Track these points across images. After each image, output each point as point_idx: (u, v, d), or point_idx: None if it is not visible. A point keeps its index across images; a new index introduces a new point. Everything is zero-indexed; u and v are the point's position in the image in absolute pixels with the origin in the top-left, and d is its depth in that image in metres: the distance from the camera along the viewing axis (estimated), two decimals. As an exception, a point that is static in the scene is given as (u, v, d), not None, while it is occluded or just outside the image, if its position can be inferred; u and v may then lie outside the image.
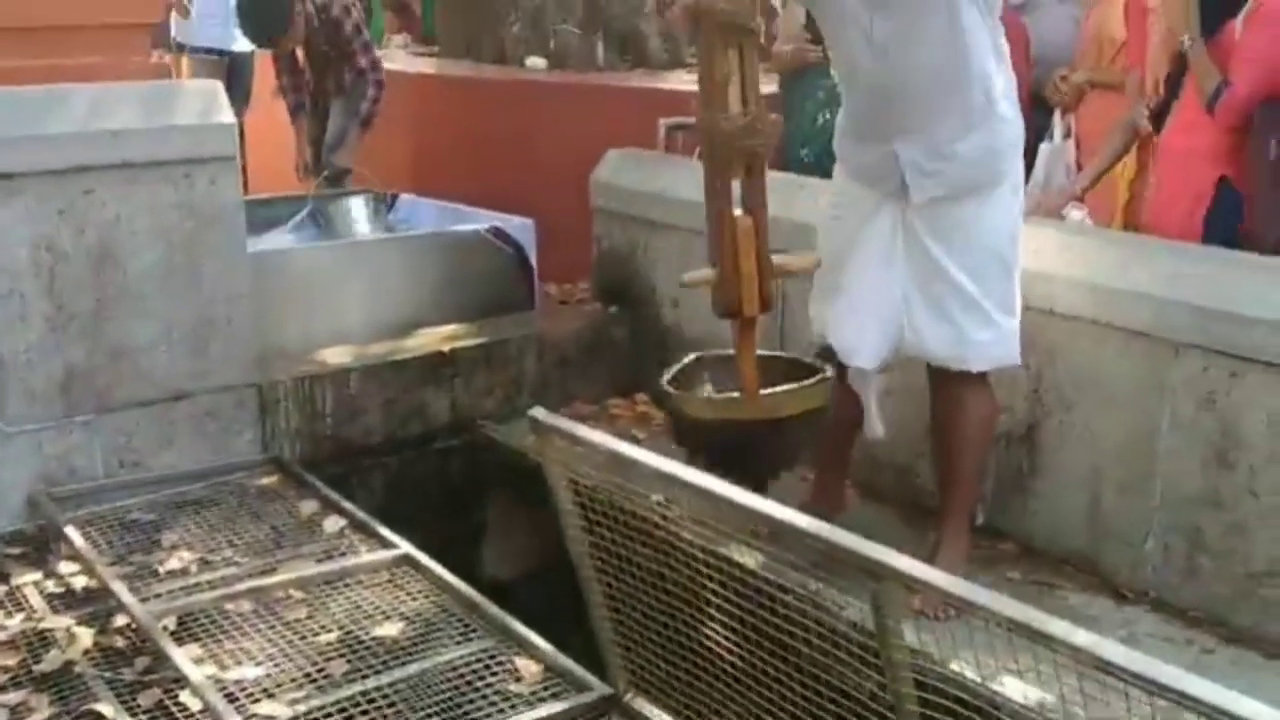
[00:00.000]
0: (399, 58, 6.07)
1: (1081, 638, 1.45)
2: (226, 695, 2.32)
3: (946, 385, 2.72)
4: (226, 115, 3.19)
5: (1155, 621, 2.70)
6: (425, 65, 5.89)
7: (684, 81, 5.00)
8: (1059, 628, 1.45)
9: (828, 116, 3.69)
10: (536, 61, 5.44)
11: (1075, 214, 3.62)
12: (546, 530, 3.02)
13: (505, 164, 4.90)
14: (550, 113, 4.93)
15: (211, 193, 3.18)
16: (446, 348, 3.80)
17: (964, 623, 2.38)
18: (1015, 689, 2.27)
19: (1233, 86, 3.03)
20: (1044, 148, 3.83)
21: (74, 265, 3.04)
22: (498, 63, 5.62)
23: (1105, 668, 1.42)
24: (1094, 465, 2.87)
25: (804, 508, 2.09)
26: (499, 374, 3.88)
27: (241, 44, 5.63)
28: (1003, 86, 2.58)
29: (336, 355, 3.66)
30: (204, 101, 3.17)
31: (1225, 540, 2.64)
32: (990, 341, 2.64)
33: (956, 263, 2.60)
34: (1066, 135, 3.74)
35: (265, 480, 3.31)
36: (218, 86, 3.25)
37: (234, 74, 5.60)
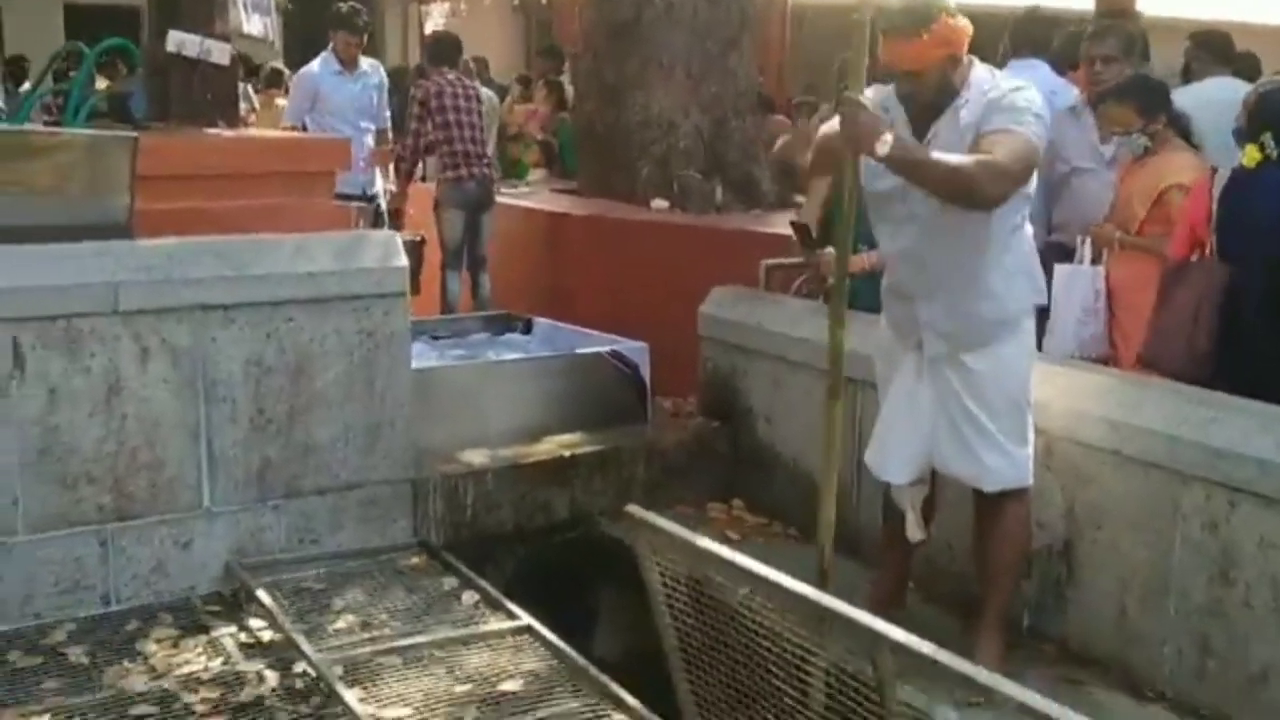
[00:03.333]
0: (541, 195, 6.89)
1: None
2: (383, 728, 2.92)
3: (982, 501, 3.22)
4: (400, 260, 3.93)
5: (1169, 719, 3.10)
6: (562, 204, 6.68)
7: (786, 225, 5.62)
8: (1012, 688, 1.94)
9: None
10: (660, 203, 6.14)
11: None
12: (650, 618, 3.58)
13: (629, 293, 5.58)
14: (669, 249, 5.61)
15: (385, 321, 3.91)
16: (569, 453, 4.42)
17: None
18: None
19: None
20: (1061, 270, 4.27)
21: (275, 377, 3.77)
22: (628, 201, 6.36)
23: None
24: (1120, 578, 3.30)
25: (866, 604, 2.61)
26: (613, 477, 4.47)
27: (377, 187, 6.61)
28: (1015, 264, 3.11)
29: (477, 456, 4.31)
30: (384, 249, 3.93)
31: (1228, 647, 3.04)
32: (1002, 467, 3.14)
33: (975, 400, 3.12)
34: (1095, 260, 4.22)
35: (414, 560, 3.95)
36: (395, 237, 4.00)
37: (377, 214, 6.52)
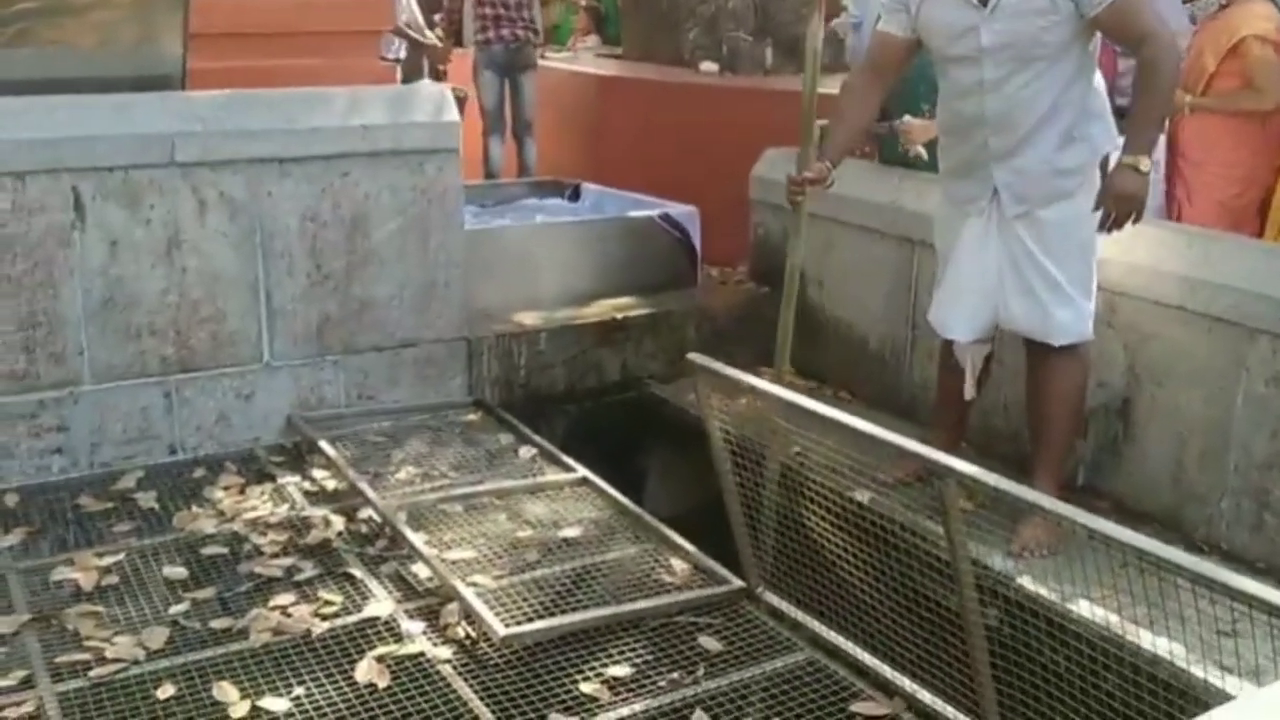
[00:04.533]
0: (586, 59, 6.76)
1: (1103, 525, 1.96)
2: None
3: (1039, 357, 3.20)
4: (453, 115, 3.89)
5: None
6: (609, 67, 6.55)
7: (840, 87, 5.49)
8: (1070, 510, 1.95)
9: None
10: (710, 65, 6.02)
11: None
12: (698, 478, 3.62)
13: (677, 157, 5.50)
14: (719, 112, 5.51)
15: (439, 178, 3.89)
16: (620, 315, 4.43)
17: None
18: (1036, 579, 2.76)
19: None
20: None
21: (331, 232, 3.78)
22: (674, 65, 6.23)
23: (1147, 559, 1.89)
24: (1179, 434, 3.29)
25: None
26: (664, 340, 4.49)
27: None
28: (1094, 106, 3.04)
29: (529, 318, 4.33)
30: (436, 104, 3.88)
31: (1287, 501, 3.04)
32: (1070, 319, 3.10)
33: (1043, 251, 3.08)
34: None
35: (470, 416, 4.01)
36: (447, 90, 3.95)
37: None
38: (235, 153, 3.57)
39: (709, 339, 4.58)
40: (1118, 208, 2.89)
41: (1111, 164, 3.07)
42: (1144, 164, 2.87)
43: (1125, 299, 3.35)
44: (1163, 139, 4.10)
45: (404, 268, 3.91)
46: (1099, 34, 3.04)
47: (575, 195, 5.40)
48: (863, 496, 3.11)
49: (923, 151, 3.96)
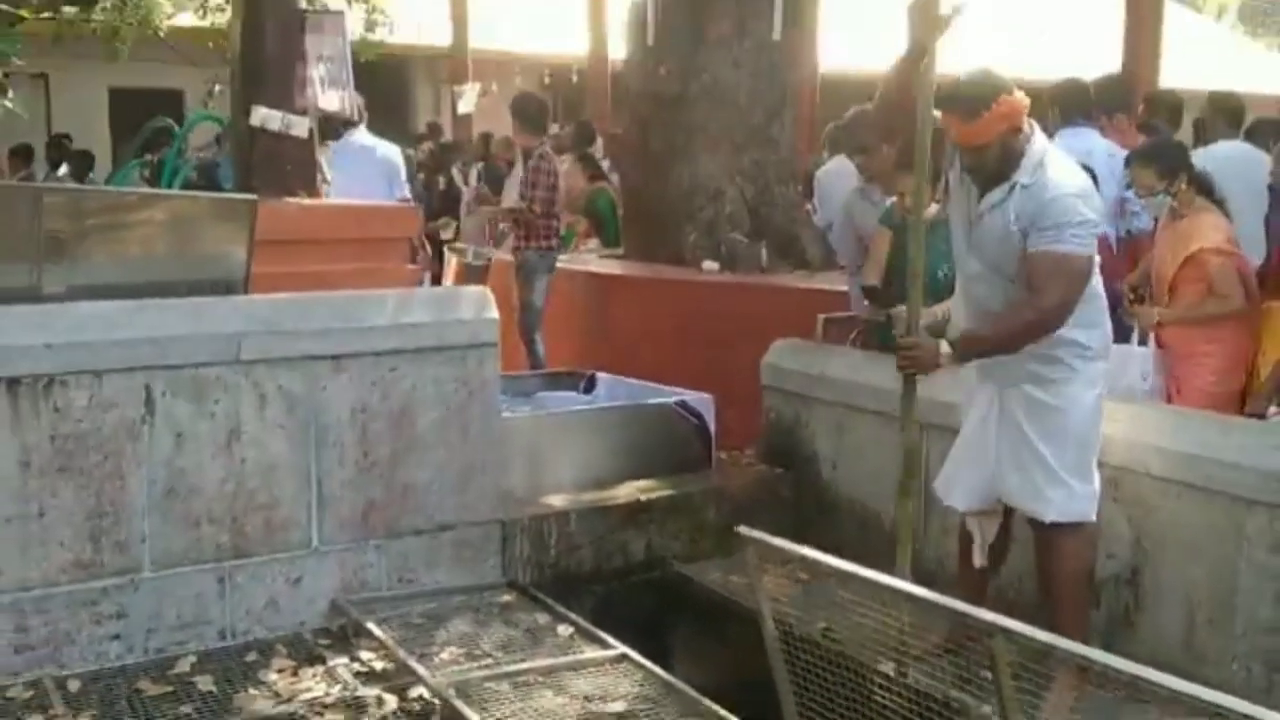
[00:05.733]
0: (593, 261, 7.19)
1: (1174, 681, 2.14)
2: (504, 743, 3.11)
3: (1042, 536, 3.43)
4: (493, 313, 4.20)
5: (1241, 732, 3.27)
6: (616, 268, 6.97)
7: (834, 281, 5.91)
8: (1141, 670, 2.14)
9: (946, 270, 4.02)
10: (710, 264, 6.44)
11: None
12: (726, 654, 3.75)
13: (684, 351, 5.83)
14: (724, 308, 5.87)
15: (479, 370, 4.17)
16: (644, 497, 4.64)
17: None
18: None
19: None
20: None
21: (379, 422, 4.01)
22: (675, 264, 6.64)
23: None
24: (1187, 602, 3.50)
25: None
26: (685, 521, 4.69)
27: None
28: (1083, 317, 3.32)
29: (558, 500, 4.53)
30: (477, 304, 4.19)
31: (1296, 662, 3.23)
32: (1061, 499, 3.33)
33: (1038, 435, 3.34)
34: (1147, 343, 4.46)
35: (506, 597, 4.16)
36: (487, 292, 4.27)
37: None
38: (295, 351, 3.84)
39: (729, 519, 4.76)
40: (908, 360, 3.34)
41: (1105, 365, 3.41)
42: (950, 356, 3.31)
43: (1127, 474, 3.61)
44: (1151, 364, 4.43)
45: (444, 454, 4.13)
46: (1095, 255, 3.37)
47: (590, 385, 5.68)
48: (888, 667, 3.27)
49: None
